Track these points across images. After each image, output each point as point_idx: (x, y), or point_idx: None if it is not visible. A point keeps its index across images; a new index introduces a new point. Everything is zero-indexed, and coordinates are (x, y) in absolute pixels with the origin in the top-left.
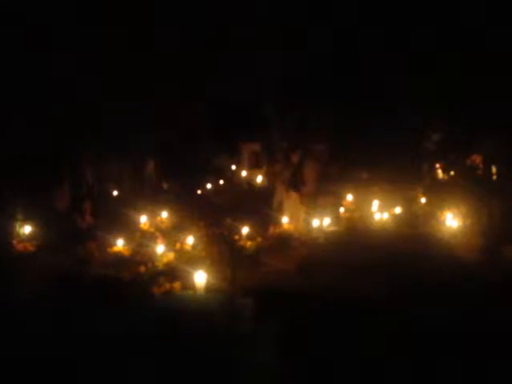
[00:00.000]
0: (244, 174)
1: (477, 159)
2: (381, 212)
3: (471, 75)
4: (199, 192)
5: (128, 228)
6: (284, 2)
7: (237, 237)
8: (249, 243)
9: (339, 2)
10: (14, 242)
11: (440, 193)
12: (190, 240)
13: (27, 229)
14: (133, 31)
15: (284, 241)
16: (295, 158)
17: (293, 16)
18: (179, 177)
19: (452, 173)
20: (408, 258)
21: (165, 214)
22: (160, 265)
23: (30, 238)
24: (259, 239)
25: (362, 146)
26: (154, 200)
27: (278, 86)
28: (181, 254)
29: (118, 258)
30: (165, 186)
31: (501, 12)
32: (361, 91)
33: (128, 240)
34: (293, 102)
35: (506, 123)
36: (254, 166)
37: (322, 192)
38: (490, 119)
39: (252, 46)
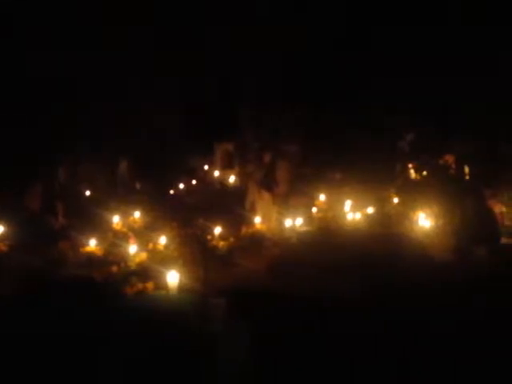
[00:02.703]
0: (217, 174)
1: (449, 159)
2: (353, 212)
3: (444, 75)
4: (172, 192)
5: (101, 228)
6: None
7: (209, 237)
8: (221, 243)
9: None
10: None
11: (413, 193)
12: (162, 240)
13: (0, 229)
14: (106, 30)
15: (256, 241)
16: (268, 159)
17: (269, 16)
18: (152, 177)
19: (425, 173)
20: (381, 257)
21: (137, 214)
22: (132, 265)
23: (3, 238)
24: (232, 239)
25: (335, 146)
26: (126, 200)
27: (252, 86)
28: (153, 254)
29: (91, 258)
30: (137, 186)
31: (476, 13)
32: (334, 92)
33: (101, 240)
34: (267, 103)
35: (480, 123)
36: (227, 166)
37: (295, 192)
38: (463, 119)
39: (226, 46)
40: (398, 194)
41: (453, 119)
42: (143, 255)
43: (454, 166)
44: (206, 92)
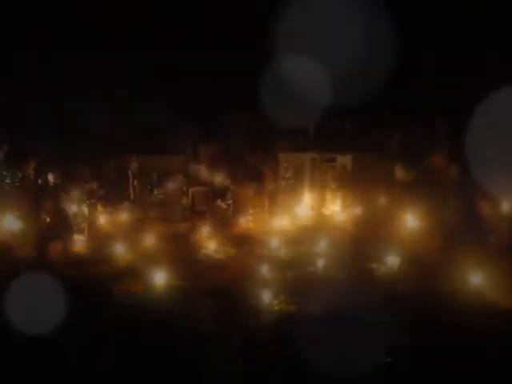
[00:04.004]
0: (205, 174)
1: (437, 159)
2: (342, 212)
3: (434, 75)
4: (160, 192)
5: (89, 228)
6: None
7: (198, 236)
8: (210, 243)
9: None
10: None
11: (401, 193)
12: (150, 239)
13: None
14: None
15: (244, 240)
16: (256, 158)
17: (259, 16)
18: (140, 177)
19: (413, 173)
20: (369, 258)
21: (126, 214)
22: (121, 264)
23: None
24: (220, 239)
25: (324, 146)
26: (115, 200)
27: (241, 86)
28: (142, 253)
29: (81, 258)
30: (126, 186)
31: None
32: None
33: (90, 239)
34: (256, 103)
35: (467, 123)
36: (215, 166)
37: (283, 191)
38: (451, 119)
39: (215, 45)
40: (386, 195)
41: (441, 119)
42: (132, 255)
43: (442, 166)
44: (196, 92)
